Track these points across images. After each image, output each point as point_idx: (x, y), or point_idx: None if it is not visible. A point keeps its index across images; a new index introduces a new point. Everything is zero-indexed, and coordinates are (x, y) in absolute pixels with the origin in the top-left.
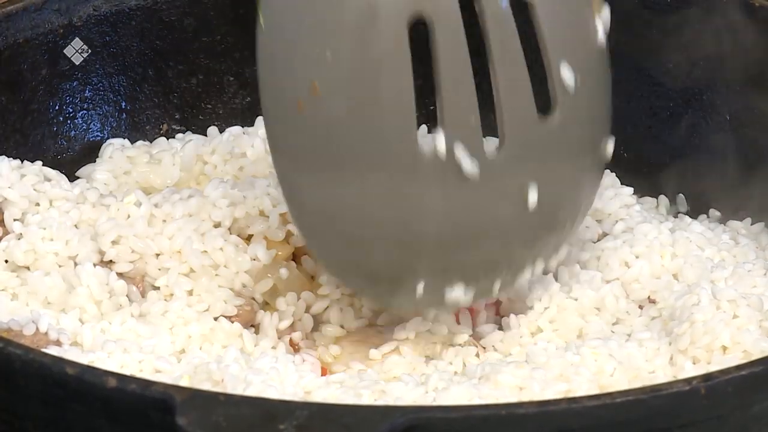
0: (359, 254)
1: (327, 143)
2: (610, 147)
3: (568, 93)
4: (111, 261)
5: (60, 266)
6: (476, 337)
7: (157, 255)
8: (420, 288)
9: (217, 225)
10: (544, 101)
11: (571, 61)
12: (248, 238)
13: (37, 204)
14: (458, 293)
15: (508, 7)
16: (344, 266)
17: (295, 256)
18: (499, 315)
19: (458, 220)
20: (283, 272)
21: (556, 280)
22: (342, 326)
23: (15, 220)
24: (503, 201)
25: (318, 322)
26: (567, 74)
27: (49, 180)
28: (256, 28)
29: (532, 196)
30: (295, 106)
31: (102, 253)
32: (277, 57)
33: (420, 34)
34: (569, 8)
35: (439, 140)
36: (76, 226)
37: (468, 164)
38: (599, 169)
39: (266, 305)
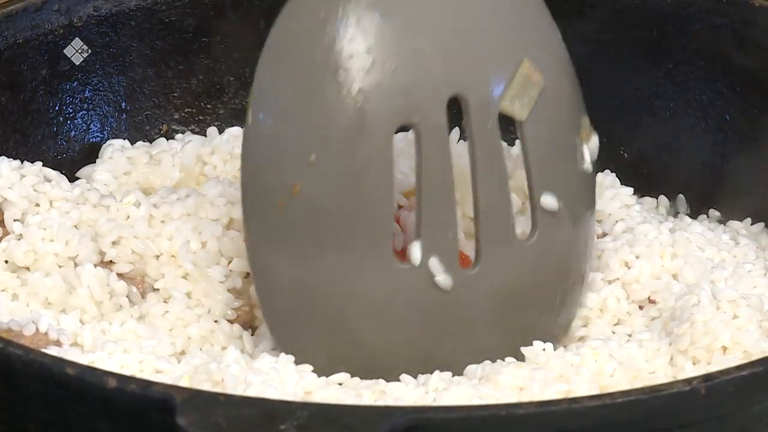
0: (331, 342)
1: (304, 242)
2: (589, 266)
3: (549, 217)
4: (111, 261)
5: (60, 267)
6: None
7: (157, 256)
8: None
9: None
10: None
11: (554, 187)
12: None
13: (37, 204)
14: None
15: (495, 129)
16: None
17: None
18: None
19: (430, 323)
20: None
21: None
22: None
23: (15, 220)
24: (474, 311)
25: None
26: (549, 200)
27: (49, 180)
28: (245, 123)
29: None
30: (275, 204)
31: (102, 253)
32: (262, 155)
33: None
34: (557, 134)
35: (415, 251)
36: (76, 226)
37: (442, 278)
38: (579, 285)
39: None
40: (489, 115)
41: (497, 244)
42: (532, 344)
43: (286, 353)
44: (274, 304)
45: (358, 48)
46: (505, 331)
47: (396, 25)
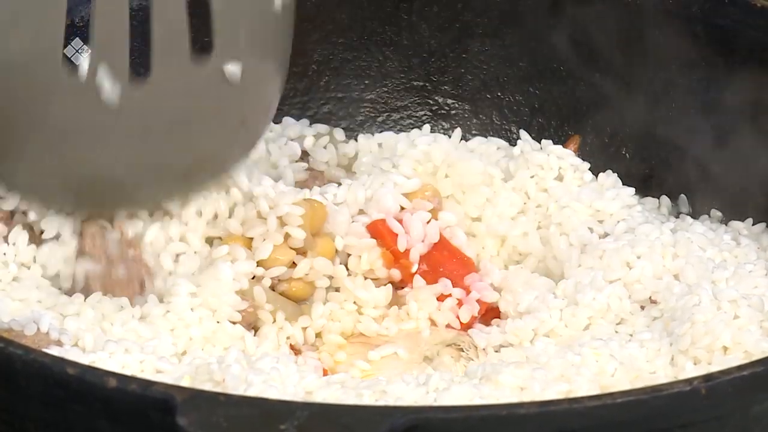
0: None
1: None
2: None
3: (229, 41)
4: None
5: None
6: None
7: None
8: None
9: None
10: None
11: (238, 16)
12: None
13: None
14: None
15: None
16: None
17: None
18: (500, 318)
19: (99, 138)
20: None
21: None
22: (342, 334)
23: None
24: (146, 133)
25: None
26: (229, 23)
27: None
28: None
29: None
30: None
31: None
32: None
33: None
34: None
35: (84, 60)
36: None
37: (108, 89)
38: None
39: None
40: None
41: (172, 62)
42: (209, 172)
43: None
44: None
45: None
46: (177, 154)
47: None
